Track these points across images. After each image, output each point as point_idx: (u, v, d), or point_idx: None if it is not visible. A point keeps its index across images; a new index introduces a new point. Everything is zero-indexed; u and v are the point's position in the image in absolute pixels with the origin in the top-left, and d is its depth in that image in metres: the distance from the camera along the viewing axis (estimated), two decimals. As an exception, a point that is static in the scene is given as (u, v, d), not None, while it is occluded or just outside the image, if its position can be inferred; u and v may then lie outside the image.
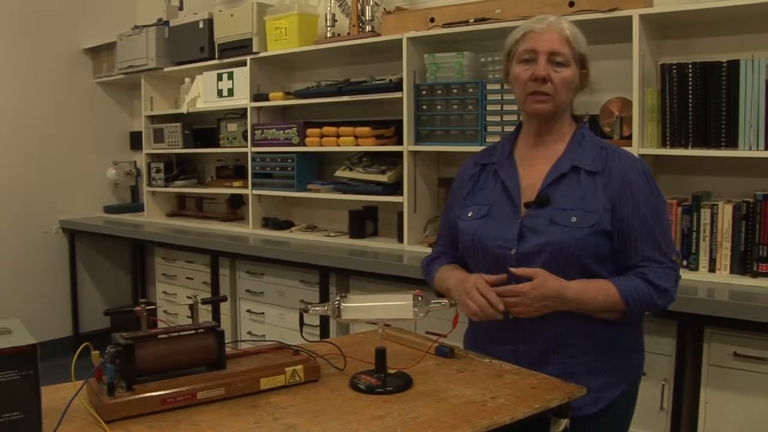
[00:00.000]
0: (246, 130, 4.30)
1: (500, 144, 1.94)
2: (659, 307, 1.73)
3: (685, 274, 2.69)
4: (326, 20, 3.89)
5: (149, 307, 1.54)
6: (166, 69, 4.75)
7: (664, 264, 1.72)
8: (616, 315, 1.72)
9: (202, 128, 4.88)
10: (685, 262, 2.73)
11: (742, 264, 2.62)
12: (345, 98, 3.76)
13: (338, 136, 3.81)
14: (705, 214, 2.69)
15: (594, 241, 1.69)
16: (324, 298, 3.54)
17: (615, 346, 1.77)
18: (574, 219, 1.70)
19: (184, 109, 4.62)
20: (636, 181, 1.73)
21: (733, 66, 2.59)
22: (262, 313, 4.00)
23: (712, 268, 2.68)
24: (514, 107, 3.10)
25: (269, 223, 4.29)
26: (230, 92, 4.35)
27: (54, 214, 5.25)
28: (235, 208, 4.81)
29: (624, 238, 1.71)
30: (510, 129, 3.13)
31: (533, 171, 1.81)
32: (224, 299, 1.98)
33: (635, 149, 2.77)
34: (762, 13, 2.64)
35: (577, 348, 1.73)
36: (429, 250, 2.12)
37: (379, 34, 3.65)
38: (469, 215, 1.86)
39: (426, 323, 2.29)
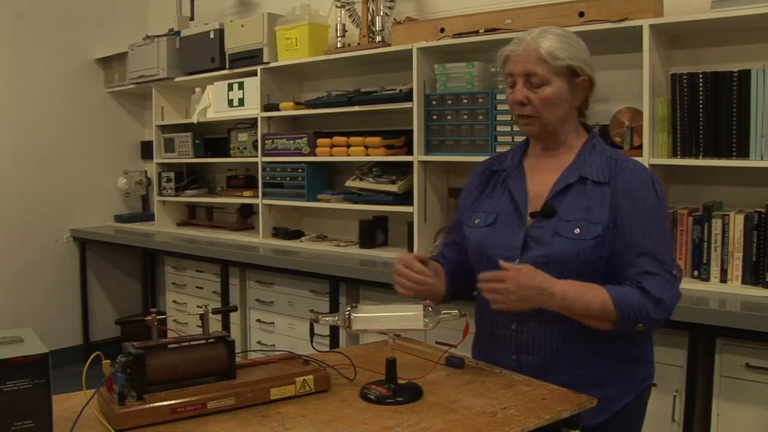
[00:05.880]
0: (256, 140, 4.31)
1: (511, 151, 1.95)
2: (654, 320, 1.65)
3: (697, 285, 2.68)
4: (336, 31, 3.91)
5: (160, 317, 1.54)
6: (177, 79, 4.77)
7: (662, 276, 1.66)
8: (605, 324, 1.66)
9: (212, 138, 4.90)
10: (696, 273, 2.72)
11: (754, 274, 2.61)
12: (355, 108, 3.77)
13: (348, 146, 3.81)
14: (716, 225, 2.67)
15: (597, 254, 1.68)
16: (334, 308, 3.54)
17: (619, 357, 1.75)
18: (577, 230, 1.69)
19: (194, 119, 4.64)
20: (641, 192, 1.71)
21: (744, 76, 2.58)
22: (272, 322, 4.01)
23: (723, 279, 2.67)
24: (525, 117, 3.10)
25: (279, 232, 4.30)
26: (241, 102, 4.36)
27: (65, 223, 5.28)
28: (246, 217, 4.82)
29: (622, 250, 1.68)
30: (520, 139, 3.14)
31: (541, 181, 1.81)
32: (234, 309, 1.98)
33: (646, 159, 2.77)
34: (773, 23, 2.63)
35: (580, 359, 1.72)
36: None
37: (389, 45, 3.66)
38: (476, 222, 1.87)
39: (436, 333, 2.28)
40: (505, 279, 1.61)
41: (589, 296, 1.63)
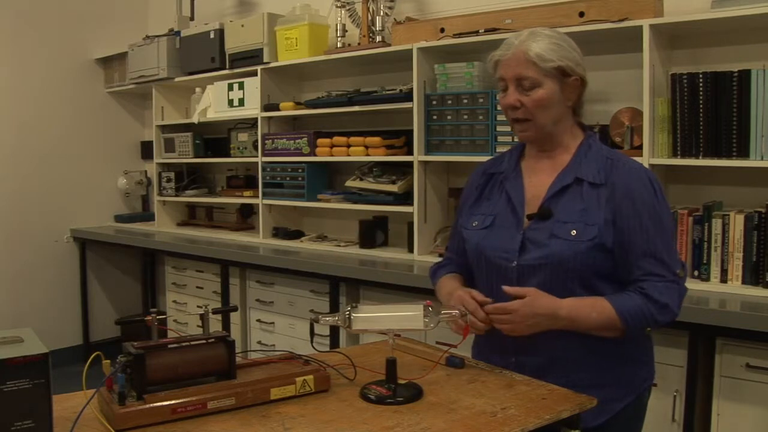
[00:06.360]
0: (256, 140, 4.31)
1: (508, 153, 1.95)
2: (660, 323, 1.69)
3: (697, 285, 2.68)
4: (337, 31, 3.91)
5: (160, 317, 1.54)
6: (177, 79, 4.77)
7: (666, 278, 1.68)
8: (615, 333, 1.68)
9: (212, 138, 4.90)
10: (696, 273, 2.72)
11: (754, 274, 2.61)
12: (355, 108, 3.77)
13: (348, 146, 3.81)
14: (716, 225, 2.67)
15: (594, 255, 1.68)
16: (334, 308, 3.54)
17: (619, 358, 1.75)
18: (573, 232, 1.69)
19: (195, 119, 4.64)
20: (639, 192, 1.70)
21: (744, 76, 2.58)
22: (272, 322, 4.01)
23: (723, 279, 2.67)
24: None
25: (279, 232, 4.30)
26: (241, 102, 4.36)
27: (65, 223, 5.28)
28: (246, 217, 4.82)
29: (624, 252, 1.69)
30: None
31: (538, 182, 1.82)
32: (235, 309, 1.98)
33: (646, 159, 2.77)
34: (773, 23, 2.63)
35: (579, 360, 1.72)
36: (439, 260, 2.13)
37: (389, 45, 3.66)
38: (474, 225, 1.87)
39: (436, 333, 2.28)
40: (510, 312, 1.65)
41: (594, 314, 1.66)
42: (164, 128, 5.04)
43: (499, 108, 3.21)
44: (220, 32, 4.44)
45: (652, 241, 1.68)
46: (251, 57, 4.25)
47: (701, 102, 2.68)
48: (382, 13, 3.72)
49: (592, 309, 1.66)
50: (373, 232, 3.89)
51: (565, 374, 1.71)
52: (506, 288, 1.68)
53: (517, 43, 1.75)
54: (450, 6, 3.65)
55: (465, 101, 3.34)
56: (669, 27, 2.79)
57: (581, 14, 2.95)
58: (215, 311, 1.68)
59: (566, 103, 1.78)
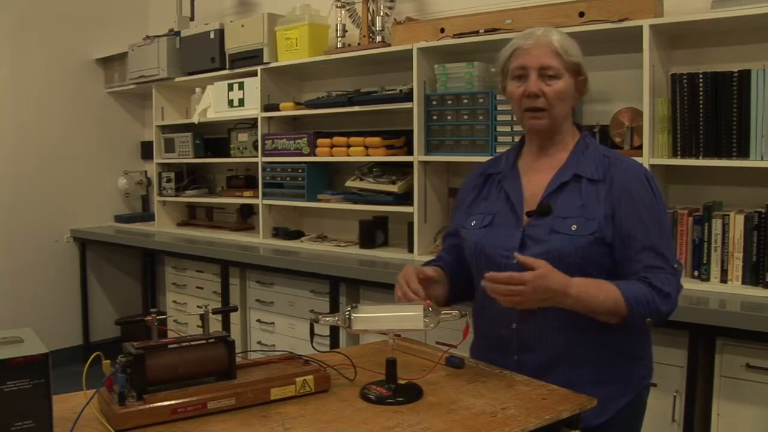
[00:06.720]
0: (256, 140, 4.31)
1: (506, 154, 1.96)
2: (662, 313, 1.68)
3: (697, 285, 2.68)
4: (337, 31, 3.90)
5: (160, 317, 1.54)
6: (177, 79, 4.77)
7: (666, 270, 1.69)
8: (617, 319, 1.68)
9: (212, 138, 4.90)
10: (696, 273, 2.72)
11: (755, 275, 2.61)
12: (355, 108, 3.77)
13: (348, 146, 3.81)
14: (716, 225, 2.67)
15: (594, 250, 1.69)
16: (334, 308, 3.54)
17: (619, 356, 1.76)
18: (574, 227, 1.70)
19: (195, 119, 4.64)
20: (637, 189, 1.73)
21: (744, 76, 2.58)
22: (272, 323, 4.00)
23: (723, 279, 2.67)
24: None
25: (279, 233, 4.30)
26: (241, 102, 4.36)
27: (65, 223, 5.28)
28: (246, 217, 4.82)
29: (625, 246, 1.70)
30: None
31: (536, 180, 1.83)
32: (235, 309, 1.98)
33: (646, 159, 2.77)
34: (773, 23, 2.63)
35: (581, 358, 1.73)
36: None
37: (389, 45, 3.65)
38: (473, 224, 1.88)
39: (436, 334, 2.28)
40: (523, 282, 1.58)
41: (602, 297, 1.65)
42: (164, 128, 5.04)
43: (499, 108, 3.21)
44: (220, 32, 4.44)
45: (652, 237, 1.70)
46: (251, 57, 4.24)
47: (701, 102, 2.68)
48: (382, 13, 3.72)
49: (600, 291, 1.65)
50: (373, 232, 3.88)
51: (566, 371, 1.71)
52: (519, 256, 1.65)
53: (540, 34, 1.78)
54: (450, 6, 3.65)
55: (465, 101, 3.34)
56: (669, 27, 2.79)
57: (581, 14, 2.94)
58: (215, 311, 1.68)
59: (573, 102, 1.82)
